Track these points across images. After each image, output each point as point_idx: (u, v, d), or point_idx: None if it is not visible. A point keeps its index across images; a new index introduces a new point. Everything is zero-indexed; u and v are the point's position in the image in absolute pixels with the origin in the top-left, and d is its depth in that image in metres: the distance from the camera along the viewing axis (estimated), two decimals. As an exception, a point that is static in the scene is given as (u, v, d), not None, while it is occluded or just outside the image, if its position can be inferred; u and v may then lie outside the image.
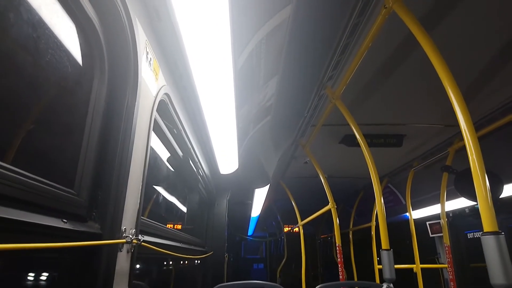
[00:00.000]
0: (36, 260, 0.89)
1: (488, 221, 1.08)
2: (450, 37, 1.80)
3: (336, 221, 3.36)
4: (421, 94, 2.43)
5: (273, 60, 1.97)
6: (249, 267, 9.67)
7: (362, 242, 6.27)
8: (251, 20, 1.53)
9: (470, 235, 4.13)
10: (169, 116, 1.82)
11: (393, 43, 1.86)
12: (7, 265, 0.79)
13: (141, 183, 1.26)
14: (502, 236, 1.06)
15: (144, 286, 2.03)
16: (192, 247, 2.94)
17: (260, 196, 5.23)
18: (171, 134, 2.01)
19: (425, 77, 2.18)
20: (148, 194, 1.98)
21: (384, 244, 2.03)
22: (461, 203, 3.65)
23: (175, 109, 1.81)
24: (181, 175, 2.93)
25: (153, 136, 1.69)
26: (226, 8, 1.16)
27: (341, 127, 3.03)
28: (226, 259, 4.30)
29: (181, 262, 3.21)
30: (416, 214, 4.37)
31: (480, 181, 1.11)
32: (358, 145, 2.21)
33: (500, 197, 2.87)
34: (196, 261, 3.58)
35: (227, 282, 2.87)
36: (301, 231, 5.12)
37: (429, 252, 4.50)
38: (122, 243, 1.08)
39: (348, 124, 2.22)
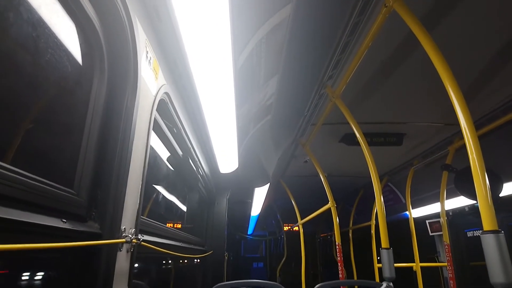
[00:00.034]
0: (36, 260, 0.89)
1: (488, 220, 1.08)
2: (450, 36, 1.79)
3: (336, 220, 3.36)
4: (421, 93, 2.43)
5: (273, 59, 1.96)
6: (249, 266, 9.68)
7: (362, 241, 6.27)
8: (251, 19, 1.52)
9: (470, 234, 4.13)
10: (169, 116, 1.82)
11: (393, 42, 1.86)
12: (7, 265, 0.79)
13: (140, 183, 1.26)
14: (502, 235, 1.06)
15: (144, 285, 2.03)
16: (192, 246, 2.94)
17: (260, 195, 5.23)
18: (171, 133, 2.01)
19: (425, 76, 2.18)
20: (148, 193, 1.97)
21: (384, 243, 2.03)
22: (461, 201, 3.65)
23: (175, 108, 1.81)
24: (181, 174, 2.93)
25: (153, 135, 1.69)
26: (226, 7, 1.16)
27: (341, 126, 3.03)
28: (226, 258, 4.30)
29: (181, 261, 3.21)
30: (416, 212, 4.37)
31: (480, 179, 1.10)
32: (358, 143, 2.21)
33: (500, 195, 2.87)
34: (196, 260, 3.58)
35: (227, 281, 2.88)
36: (301, 230, 5.12)
37: (429, 251, 4.50)
38: (122, 243, 1.07)
39: (348, 123, 2.22)
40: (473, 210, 3.68)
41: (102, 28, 1.05)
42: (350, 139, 3.17)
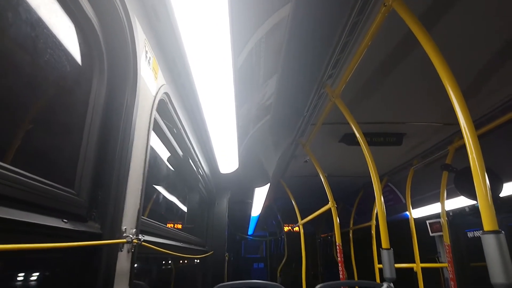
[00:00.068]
0: (36, 260, 0.89)
1: (488, 220, 1.08)
2: (450, 35, 1.79)
3: (336, 220, 3.36)
4: (421, 93, 2.43)
5: (273, 59, 1.96)
6: (249, 267, 9.67)
7: (362, 241, 6.26)
8: (250, 18, 1.53)
9: (470, 234, 4.12)
10: (169, 116, 1.82)
11: (393, 41, 1.86)
12: (7, 265, 0.79)
13: (141, 183, 1.26)
14: (502, 235, 1.06)
15: (144, 285, 2.03)
16: (192, 246, 2.94)
17: (260, 195, 5.23)
18: (171, 133, 2.01)
19: (424, 76, 2.18)
20: (148, 193, 1.97)
21: (384, 243, 2.03)
22: (461, 201, 3.65)
23: (175, 108, 1.81)
24: (181, 175, 2.93)
25: (153, 135, 1.69)
26: (225, 6, 1.16)
27: (341, 126, 3.03)
28: (227, 258, 4.30)
29: (182, 261, 3.21)
30: (416, 213, 4.37)
31: (480, 179, 1.10)
32: (358, 143, 2.21)
33: (500, 195, 2.87)
34: (196, 261, 3.58)
35: (227, 281, 2.87)
36: (301, 230, 5.12)
37: (429, 251, 4.50)
38: (123, 243, 1.07)
39: (348, 123, 2.22)
40: (474, 210, 3.68)
41: (101, 28, 1.05)
42: (350, 139, 3.17)
